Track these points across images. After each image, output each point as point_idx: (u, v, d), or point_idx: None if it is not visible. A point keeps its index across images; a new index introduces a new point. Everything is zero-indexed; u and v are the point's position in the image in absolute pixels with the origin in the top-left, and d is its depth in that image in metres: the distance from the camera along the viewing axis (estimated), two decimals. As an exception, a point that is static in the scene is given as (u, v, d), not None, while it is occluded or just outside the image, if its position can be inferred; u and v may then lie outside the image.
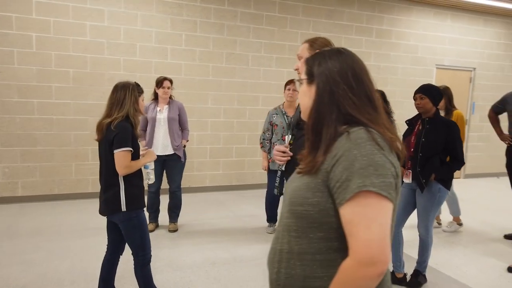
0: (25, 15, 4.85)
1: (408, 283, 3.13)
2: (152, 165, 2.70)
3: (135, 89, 2.44)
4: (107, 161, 2.38)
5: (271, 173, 4.14)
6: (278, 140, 4.07)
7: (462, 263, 3.63)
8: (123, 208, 2.36)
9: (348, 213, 0.95)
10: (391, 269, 3.16)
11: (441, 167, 2.92)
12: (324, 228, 1.04)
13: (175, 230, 4.23)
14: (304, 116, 1.20)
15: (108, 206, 2.39)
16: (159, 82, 4.15)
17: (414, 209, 3.16)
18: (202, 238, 4.05)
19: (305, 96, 1.17)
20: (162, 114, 4.19)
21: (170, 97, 4.23)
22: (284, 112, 4.12)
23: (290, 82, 4.08)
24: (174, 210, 4.30)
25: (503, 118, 4.31)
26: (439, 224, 4.61)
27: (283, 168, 2.03)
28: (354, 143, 0.99)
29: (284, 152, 1.89)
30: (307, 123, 1.14)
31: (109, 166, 2.37)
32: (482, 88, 7.80)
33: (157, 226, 4.32)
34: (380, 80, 6.67)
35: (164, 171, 4.28)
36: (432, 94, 2.95)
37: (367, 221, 0.92)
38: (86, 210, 4.80)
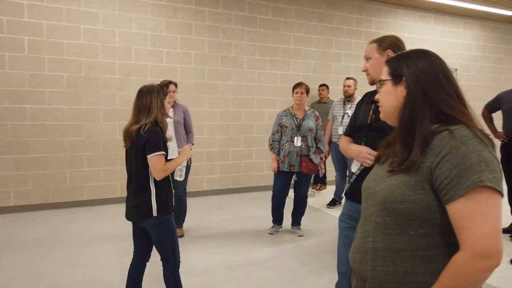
0: (17, 18, 4.68)
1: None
2: (184, 162, 2.70)
3: (160, 93, 2.41)
4: (138, 167, 2.33)
5: (280, 174, 4.16)
6: (288, 141, 4.09)
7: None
8: (155, 213, 2.33)
9: (461, 208, 0.98)
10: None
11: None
12: (426, 224, 1.06)
13: (182, 236, 4.18)
14: (387, 116, 1.23)
15: (139, 211, 2.34)
16: (165, 86, 4.12)
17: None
18: (211, 242, 4.02)
19: (390, 97, 1.20)
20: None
21: (174, 101, 4.20)
22: (293, 114, 4.15)
23: (298, 85, 4.11)
24: (180, 215, 4.25)
25: (496, 116, 4.51)
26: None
27: (359, 170, 1.98)
28: (460, 141, 1.02)
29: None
30: (399, 123, 1.16)
31: (140, 172, 2.33)
32: (463, 88, 8.08)
33: None
34: (366, 81, 6.82)
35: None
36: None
37: (482, 215, 0.96)
38: (84, 217, 4.67)
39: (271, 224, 4.44)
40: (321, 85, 6.11)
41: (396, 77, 1.18)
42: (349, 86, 5.13)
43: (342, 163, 5.26)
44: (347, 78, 5.26)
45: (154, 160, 2.27)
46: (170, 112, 4.28)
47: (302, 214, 4.39)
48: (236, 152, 6.11)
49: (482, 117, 4.65)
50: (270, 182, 5.76)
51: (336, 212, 5.13)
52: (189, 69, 5.67)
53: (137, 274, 2.53)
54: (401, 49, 1.87)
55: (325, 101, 6.06)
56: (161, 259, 2.45)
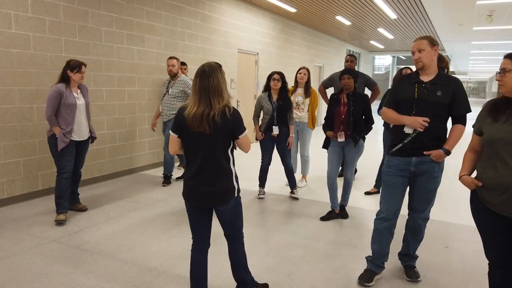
0: None
1: (341, 215, 4.27)
2: None
3: (222, 70, 2.33)
4: (220, 150, 2.23)
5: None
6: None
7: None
8: (236, 193, 2.33)
9: None
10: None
11: (365, 127, 4.14)
12: None
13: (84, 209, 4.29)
14: (509, 91, 1.99)
15: (225, 194, 2.27)
16: (77, 67, 3.87)
17: (342, 161, 4.27)
18: (168, 226, 3.80)
19: None
20: (80, 100, 3.99)
21: None
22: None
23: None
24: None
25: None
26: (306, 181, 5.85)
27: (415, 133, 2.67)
28: None
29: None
30: None
31: (222, 155, 2.25)
32: (263, 69, 9.76)
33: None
34: (204, 61, 7.29)
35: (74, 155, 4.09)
36: (355, 76, 4.09)
37: None
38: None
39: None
40: (183, 64, 6.19)
41: None
42: (173, 66, 5.29)
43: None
44: (171, 58, 5.35)
45: (246, 138, 2.30)
46: (79, 93, 4.08)
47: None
48: (100, 136, 5.47)
49: (319, 92, 6.07)
50: (133, 164, 5.60)
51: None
52: (44, 38, 4.64)
53: (205, 263, 2.42)
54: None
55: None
56: (231, 239, 2.46)
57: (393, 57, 27.14)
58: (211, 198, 2.28)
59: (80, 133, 4.00)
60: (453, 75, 2.82)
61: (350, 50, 17.15)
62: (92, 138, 4.23)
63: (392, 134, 2.90)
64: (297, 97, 5.36)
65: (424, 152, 2.69)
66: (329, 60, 14.43)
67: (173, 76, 5.35)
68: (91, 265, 3.03)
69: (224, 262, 3.00)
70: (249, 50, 9.11)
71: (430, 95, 2.65)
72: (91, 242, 3.47)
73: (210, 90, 2.20)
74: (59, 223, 3.83)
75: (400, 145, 2.73)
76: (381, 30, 12.67)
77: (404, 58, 26.73)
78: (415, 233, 2.93)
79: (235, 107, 2.30)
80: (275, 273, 2.97)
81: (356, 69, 5.96)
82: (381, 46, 17.66)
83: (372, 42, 16.11)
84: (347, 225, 4.08)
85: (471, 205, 2.22)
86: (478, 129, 2.18)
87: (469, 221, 4.13)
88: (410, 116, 2.68)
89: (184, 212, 4.32)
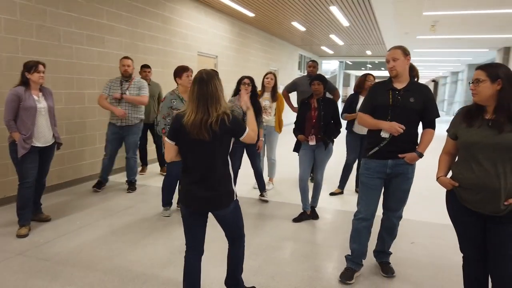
0: None
1: (312, 216, 4.41)
2: None
3: (220, 79, 2.35)
4: (220, 155, 2.28)
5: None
6: None
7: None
8: (235, 196, 2.37)
9: None
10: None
11: (335, 130, 4.31)
12: None
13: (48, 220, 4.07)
14: (483, 100, 2.15)
15: (225, 198, 2.32)
16: (33, 67, 3.65)
17: (312, 163, 4.41)
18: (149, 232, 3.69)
19: (488, 89, 2.15)
20: (40, 103, 3.75)
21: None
22: (182, 98, 4.24)
23: (188, 68, 4.26)
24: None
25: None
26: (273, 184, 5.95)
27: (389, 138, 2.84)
28: None
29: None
30: (498, 102, 2.13)
31: (222, 160, 2.30)
32: (222, 72, 9.73)
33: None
34: (164, 63, 7.22)
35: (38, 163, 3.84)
36: (325, 82, 4.25)
37: None
38: None
39: (162, 208, 4.43)
40: (145, 66, 6.05)
41: (493, 78, 2.17)
42: (128, 66, 5.07)
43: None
44: (125, 58, 5.13)
45: (248, 135, 2.34)
46: (40, 96, 3.77)
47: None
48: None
49: (283, 96, 6.21)
50: (95, 170, 5.39)
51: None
52: (-1, 38, 4.34)
53: (199, 268, 2.42)
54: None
55: (149, 83, 6.08)
56: (235, 240, 2.50)
57: (341, 62, 28.25)
58: (211, 203, 2.31)
59: (42, 139, 3.76)
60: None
61: (301, 55, 17.63)
62: (57, 144, 4.01)
63: (368, 138, 3.05)
64: (264, 101, 5.45)
65: (399, 155, 2.87)
66: (283, 64, 14.74)
67: (128, 76, 5.10)
68: (68, 278, 2.89)
69: (209, 267, 2.99)
70: (209, 53, 9.08)
71: (404, 102, 2.84)
72: (63, 254, 3.30)
73: (208, 98, 2.22)
74: (21, 237, 3.60)
75: (377, 148, 2.89)
76: (332, 36, 13.16)
77: (350, 63, 27.90)
78: (389, 231, 3.12)
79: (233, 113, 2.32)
80: (260, 276, 3.01)
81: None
82: (331, 52, 18.33)
83: (323, 47, 16.68)
84: (319, 226, 4.22)
85: (448, 204, 2.41)
86: (453, 134, 2.38)
87: (430, 218, 4.47)
88: (385, 121, 2.84)
89: (157, 218, 4.25)
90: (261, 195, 5.07)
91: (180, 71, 4.21)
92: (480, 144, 2.16)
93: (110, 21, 5.94)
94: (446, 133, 2.44)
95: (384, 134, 2.85)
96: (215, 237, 3.01)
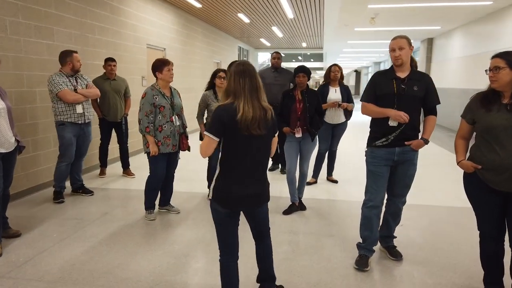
0: None
1: (300, 207, 4.43)
2: None
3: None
4: (267, 151, 2.26)
5: (161, 157, 3.95)
6: (167, 122, 3.92)
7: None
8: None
9: None
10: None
11: (319, 122, 4.35)
12: None
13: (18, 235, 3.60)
14: (502, 86, 2.32)
15: (268, 194, 2.32)
16: None
17: (299, 154, 4.41)
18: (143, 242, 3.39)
19: (507, 76, 2.31)
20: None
21: None
22: (163, 93, 3.97)
23: (168, 62, 3.97)
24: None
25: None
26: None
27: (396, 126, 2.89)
28: None
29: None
30: None
31: (268, 156, 2.27)
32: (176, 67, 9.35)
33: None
34: (115, 56, 6.69)
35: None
36: (308, 74, 4.26)
37: None
38: None
39: (145, 211, 4.15)
40: (110, 60, 5.55)
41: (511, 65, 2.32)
42: (79, 61, 4.64)
43: None
44: (76, 52, 4.64)
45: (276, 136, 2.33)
46: None
47: (172, 192, 4.38)
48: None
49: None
50: (51, 176, 4.84)
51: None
52: None
53: (238, 271, 2.29)
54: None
55: (114, 78, 5.63)
56: (264, 235, 2.45)
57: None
58: (261, 198, 2.28)
59: (5, 144, 3.29)
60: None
61: (240, 47, 17.59)
62: (20, 147, 3.54)
63: (374, 126, 3.11)
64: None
65: (406, 142, 2.97)
66: (225, 57, 14.57)
67: (77, 71, 4.61)
68: (73, 298, 2.58)
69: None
70: (157, 45, 8.65)
71: (409, 90, 2.93)
72: (54, 271, 2.93)
73: (258, 91, 2.14)
74: (-5, 257, 3.14)
75: (391, 137, 2.94)
76: (274, 28, 13.29)
77: (283, 55, 28.48)
78: (395, 216, 3.23)
79: None
80: (278, 273, 2.94)
81: (282, 66, 6.22)
82: (268, 44, 18.53)
83: (262, 39, 16.79)
84: (310, 216, 4.25)
85: (467, 186, 2.55)
86: (470, 119, 2.51)
87: (413, 201, 4.66)
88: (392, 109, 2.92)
89: (142, 223, 3.97)
90: None
91: (161, 65, 3.93)
92: (501, 126, 2.30)
93: (58, 11, 5.36)
94: (461, 118, 2.58)
95: (392, 123, 2.92)
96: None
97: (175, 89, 4.20)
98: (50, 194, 4.83)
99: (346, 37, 14.24)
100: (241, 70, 2.12)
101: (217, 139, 2.11)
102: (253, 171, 2.19)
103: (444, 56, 12.92)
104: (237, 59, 5.38)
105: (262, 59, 35.89)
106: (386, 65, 24.46)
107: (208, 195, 2.22)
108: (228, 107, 2.08)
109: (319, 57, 29.77)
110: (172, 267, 3.02)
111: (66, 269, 2.97)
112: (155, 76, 3.97)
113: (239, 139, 2.09)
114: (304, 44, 18.94)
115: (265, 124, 2.13)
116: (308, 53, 27.49)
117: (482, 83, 10.93)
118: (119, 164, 6.16)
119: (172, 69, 4.00)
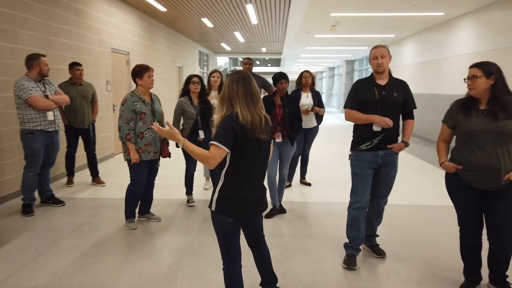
0: None
1: (280, 211, 4.53)
2: None
3: None
4: (267, 156, 2.29)
5: (142, 164, 3.88)
6: (149, 128, 3.86)
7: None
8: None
9: None
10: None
11: (298, 126, 4.47)
12: None
13: None
14: (479, 93, 2.55)
15: (266, 200, 2.35)
16: None
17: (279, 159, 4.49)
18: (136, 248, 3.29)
19: (484, 84, 2.54)
20: None
21: None
22: (143, 99, 3.90)
23: (149, 68, 3.92)
24: None
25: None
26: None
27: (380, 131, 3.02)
28: None
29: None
30: (492, 94, 2.53)
31: (267, 162, 2.29)
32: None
33: None
34: (80, 61, 6.46)
35: None
36: (288, 80, 4.37)
37: None
38: None
39: (126, 220, 4.04)
40: (77, 64, 5.34)
41: (488, 74, 2.54)
42: (47, 65, 4.44)
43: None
44: (44, 56, 4.47)
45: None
46: None
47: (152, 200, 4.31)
48: (-27, 156, 4.31)
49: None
50: (17, 187, 4.57)
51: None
52: None
53: (242, 280, 2.32)
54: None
55: (81, 83, 5.42)
56: (260, 240, 2.50)
57: (230, 58, 28.82)
58: (263, 205, 2.31)
59: None
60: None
61: (201, 51, 17.50)
62: None
63: (358, 131, 3.26)
64: (213, 100, 5.33)
65: (388, 146, 3.15)
66: (186, 61, 14.45)
67: (45, 75, 4.42)
68: (67, 314, 2.48)
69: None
70: (121, 49, 8.43)
71: (389, 96, 3.12)
72: (40, 287, 2.80)
73: (253, 97, 2.18)
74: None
75: (376, 141, 3.10)
76: (236, 33, 13.38)
77: (241, 59, 28.65)
78: (378, 216, 3.41)
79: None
80: (272, 275, 3.01)
81: (253, 71, 6.30)
82: (229, 48, 18.58)
83: (222, 44, 16.81)
84: (291, 219, 4.35)
85: (449, 185, 2.77)
86: (451, 124, 2.73)
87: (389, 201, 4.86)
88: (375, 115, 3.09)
89: (124, 232, 3.88)
90: None
91: (141, 71, 3.87)
92: (480, 131, 2.52)
93: (22, 13, 5.10)
94: (442, 123, 2.79)
95: (376, 128, 3.09)
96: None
97: (155, 95, 4.15)
98: (17, 205, 4.58)
99: (306, 43, 14.63)
100: (236, 77, 2.17)
101: (228, 150, 2.06)
102: (258, 178, 2.25)
103: (397, 63, 13.64)
104: (215, 68, 5.43)
105: (219, 63, 35.93)
106: (340, 70, 25.32)
107: (210, 206, 2.20)
108: (231, 116, 2.10)
109: (276, 62, 30.30)
110: (165, 275, 2.99)
111: (54, 284, 2.85)
112: (135, 82, 3.90)
113: (249, 144, 2.11)
114: (263, 49, 19.19)
115: (266, 129, 2.20)
116: (267, 58, 27.86)
117: (434, 88, 11.58)
118: (86, 172, 5.95)
119: (153, 75, 3.95)
